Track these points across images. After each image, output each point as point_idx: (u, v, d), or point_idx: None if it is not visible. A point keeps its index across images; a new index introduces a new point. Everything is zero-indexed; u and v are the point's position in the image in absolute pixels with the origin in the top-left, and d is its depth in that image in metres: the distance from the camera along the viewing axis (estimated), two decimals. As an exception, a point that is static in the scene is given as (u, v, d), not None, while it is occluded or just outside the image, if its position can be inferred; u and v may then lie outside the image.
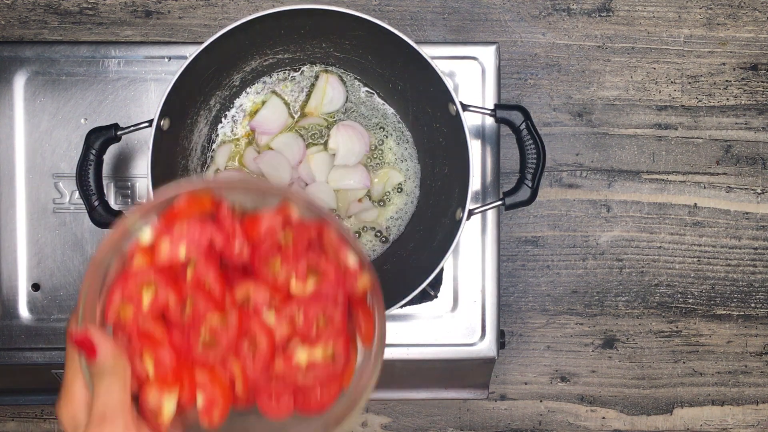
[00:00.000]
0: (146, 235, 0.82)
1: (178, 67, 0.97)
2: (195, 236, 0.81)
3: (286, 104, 1.10)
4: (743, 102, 1.24)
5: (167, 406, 0.80)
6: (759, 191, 1.25)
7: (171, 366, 0.80)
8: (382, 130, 1.10)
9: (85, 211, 0.99)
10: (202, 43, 0.97)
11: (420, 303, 1.07)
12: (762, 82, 1.24)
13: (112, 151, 1.06)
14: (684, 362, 1.26)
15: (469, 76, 1.08)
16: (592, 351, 1.25)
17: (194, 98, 1.05)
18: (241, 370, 0.82)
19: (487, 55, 1.08)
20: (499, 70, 1.08)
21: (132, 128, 0.99)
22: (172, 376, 0.80)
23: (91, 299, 0.79)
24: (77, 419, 0.77)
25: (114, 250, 0.81)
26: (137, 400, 0.79)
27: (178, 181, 0.81)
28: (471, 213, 0.98)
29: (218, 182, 0.84)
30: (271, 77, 1.10)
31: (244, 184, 0.84)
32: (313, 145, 1.10)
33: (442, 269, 1.05)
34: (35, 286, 1.06)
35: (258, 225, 0.83)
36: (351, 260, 0.85)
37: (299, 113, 1.10)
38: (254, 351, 0.82)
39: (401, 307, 0.99)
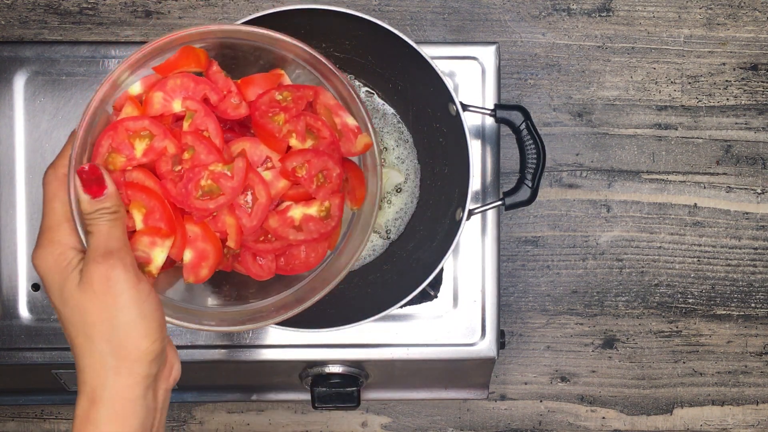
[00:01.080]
0: (136, 87, 0.79)
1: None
2: (190, 90, 0.79)
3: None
4: (743, 102, 1.24)
5: (158, 256, 0.77)
6: (759, 191, 1.25)
7: (165, 216, 0.77)
8: (381, 130, 1.10)
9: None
10: (202, 43, 0.97)
11: (420, 303, 1.07)
12: (762, 82, 1.24)
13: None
14: (684, 362, 1.26)
15: (469, 76, 1.08)
16: (592, 351, 1.25)
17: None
18: (236, 224, 0.80)
19: (487, 55, 1.08)
20: (499, 70, 1.08)
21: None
22: (167, 226, 0.77)
23: (79, 153, 0.75)
24: (66, 258, 0.73)
25: (105, 104, 0.78)
26: None
27: (166, 34, 0.78)
28: (471, 213, 0.98)
29: (212, 29, 0.80)
30: (271, 77, 1.10)
31: (239, 33, 0.81)
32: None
33: (442, 269, 1.05)
34: (35, 286, 1.06)
35: (251, 86, 0.82)
36: (350, 122, 0.84)
37: (299, 113, 1.10)
38: (254, 203, 0.80)
39: (401, 307, 0.99)
